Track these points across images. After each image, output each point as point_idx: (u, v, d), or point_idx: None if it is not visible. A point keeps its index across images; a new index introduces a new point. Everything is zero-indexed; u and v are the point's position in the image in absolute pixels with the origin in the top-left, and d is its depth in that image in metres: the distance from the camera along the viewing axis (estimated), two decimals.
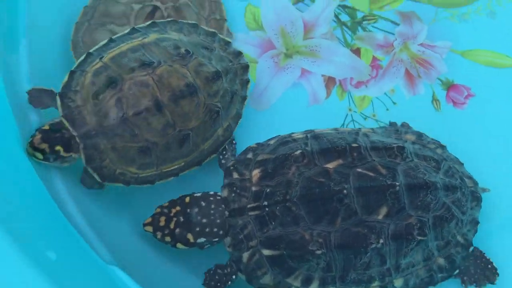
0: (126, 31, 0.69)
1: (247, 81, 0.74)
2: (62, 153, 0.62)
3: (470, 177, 0.72)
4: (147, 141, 0.64)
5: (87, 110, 0.63)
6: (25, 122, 0.67)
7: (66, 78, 0.64)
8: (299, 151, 0.66)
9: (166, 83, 0.64)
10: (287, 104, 0.80)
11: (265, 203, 0.64)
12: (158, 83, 0.64)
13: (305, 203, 0.63)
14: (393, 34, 0.83)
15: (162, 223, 0.65)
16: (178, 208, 0.66)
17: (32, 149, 0.62)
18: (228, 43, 0.74)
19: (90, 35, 0.73)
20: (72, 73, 0.65)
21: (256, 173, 0.66)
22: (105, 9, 0.75)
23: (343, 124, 0.79)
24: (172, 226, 0.65)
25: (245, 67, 0.74)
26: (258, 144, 0.71)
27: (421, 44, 0.83)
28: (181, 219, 0.65)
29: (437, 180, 0.66)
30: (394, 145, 0.68)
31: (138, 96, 0.63)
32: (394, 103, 0.80)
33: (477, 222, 0.70)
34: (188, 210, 0.65)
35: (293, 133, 0.72)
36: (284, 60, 0.81)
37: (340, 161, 0.66)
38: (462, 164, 0.73)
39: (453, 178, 0.69)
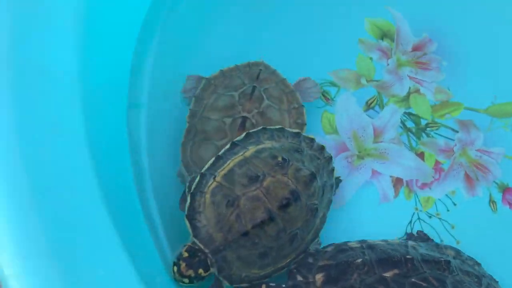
0: (228, 146, 0.79)
1: (333, 170, 0.84)
2: (203, 274, 0.72)
3: None
4: (264, 246, 0.74)
5: (212, 228, 0.73)
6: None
7: (188, 200, 0.75)
8: (360, 259, 0.75)
9: (273, 194, 0.74)
10: (360, 201, 0.89)
11: None
12: (267, 195, 0.74)
13: None
14: (453, 140, 0.94)
15: None
16: None
17: (181, 276, 0.72)
18: (312, 140, 0.84)
19: (196, 153, 0.83)
20: (192, 195, 0.75)
21: (319, 277, 0.75)
22: (201, 127, 0.85)
23: (410, 221, 0.89)
24: None
25: (329, 159, 0.84)
26: (315, 250, 0.80)
27: (478, 150, 0.93)
28: None
29: None
30: (442, 259, 0.77)
31: (253, 210, 0.73)
32: (455, 204, 0.90)
33: None
34: None
35: (348, 242, 0.81)
36: (357, 161, 0.91)
37: (396, 271, 0.75)
38: (497, 281, 0.82)
39: None
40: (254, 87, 0.87)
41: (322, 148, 0.84)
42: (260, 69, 0.90)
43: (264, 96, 0.87)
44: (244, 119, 0.84)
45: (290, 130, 0.83)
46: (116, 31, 0.80)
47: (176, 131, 0.86)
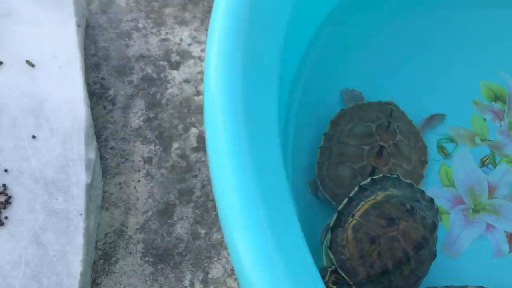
0: (356, 189, 0.86)
1: (438, 222, 0.89)
2: None
3: None
4: (397, 286, 0.80)
5: (356, 262, 0.79)
6: None
7: (329, 235, 0.82)
8: None
9: (408, 237, 0.81)
10: (474, 254, 0.94)
11: None
12: (404, 238, 0.80)
13: None
14: None
15: None
16: None
17: None
18: (423, 192, 0.90)
19: (334, 171, 0.91)
20: (333, 230, 0.82)
21: None
22: (339, 150, 0.93)
23: None
24: None
25: (437, 210, 0.90)
26: (435, 287, 0.85)
27: None
28: None
29: None
30: None
31: (393, 250, 0.80)
32: None
33: None
34: None
35: (466, 285, 0.86)
36: (472, 215, 0.96)
37: None
38: None
39: None
40: (389, 122, 0.95)
41: (432, 200, 0.90)
42: (392, 108, 0.98)
43: (397, 131, 0.95)
44: (381, 147, 0.92)
45: (405, 180, 0.89)
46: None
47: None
